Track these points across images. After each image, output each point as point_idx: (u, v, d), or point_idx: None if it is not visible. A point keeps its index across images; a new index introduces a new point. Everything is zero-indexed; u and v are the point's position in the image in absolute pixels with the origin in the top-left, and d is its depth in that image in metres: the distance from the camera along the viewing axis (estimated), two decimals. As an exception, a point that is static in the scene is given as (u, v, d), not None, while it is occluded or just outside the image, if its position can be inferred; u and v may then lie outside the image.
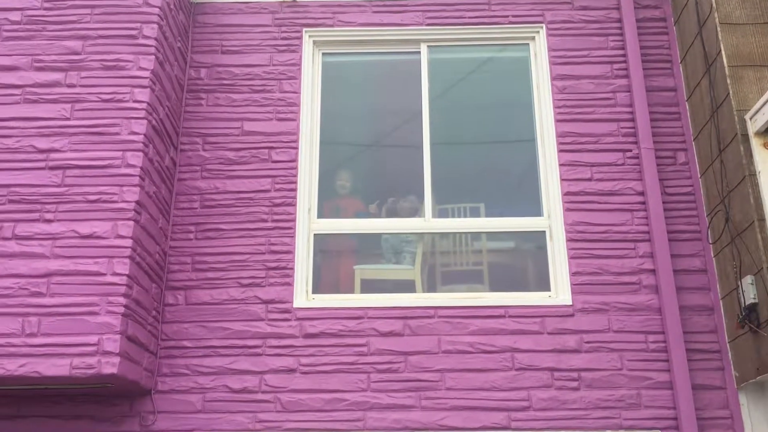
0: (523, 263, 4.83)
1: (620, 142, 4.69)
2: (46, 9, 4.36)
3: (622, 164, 4.65)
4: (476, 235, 4.84)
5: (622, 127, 4.73)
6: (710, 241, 4.38)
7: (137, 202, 4.08)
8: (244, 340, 4.32)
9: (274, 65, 4.94)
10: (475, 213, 4.89)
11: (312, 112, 4.88)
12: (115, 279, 3.89)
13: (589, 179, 4.63)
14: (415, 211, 5.00)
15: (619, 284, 4.41)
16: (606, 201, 4.58)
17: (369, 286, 4.66)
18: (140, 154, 4.16)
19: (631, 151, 4.67)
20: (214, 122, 4.80)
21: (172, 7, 4.63)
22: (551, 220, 4.59)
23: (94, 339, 3.76)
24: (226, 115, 4.82)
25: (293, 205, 4.61)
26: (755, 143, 3.98)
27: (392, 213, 5.01)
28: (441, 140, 4.93)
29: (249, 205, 4.62)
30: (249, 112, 4.83)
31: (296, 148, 4.74)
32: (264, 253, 4.51)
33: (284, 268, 4.47)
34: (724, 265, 4.27)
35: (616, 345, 4.27)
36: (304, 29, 4.95)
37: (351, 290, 4.66)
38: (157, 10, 4.39)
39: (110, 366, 3.71)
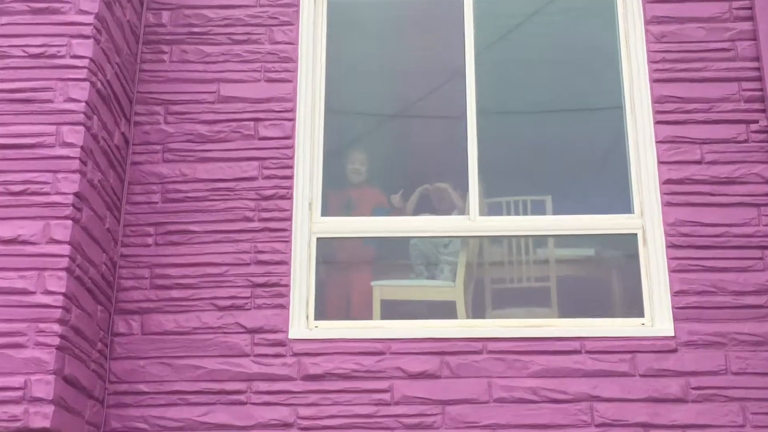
0: (605, 278, 4.78)
1: (741, 110, 4.64)
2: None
3: (745, 141, 4.60)
4: (541, 240, 4.80)
5: (744, 90, 4.67)
6: None
7: (76, 195, 4.06)
8: (222, 383, 4.30)
9: (262, 6, 4.88)
10: (539, 209, 4.85)
11: (314, 71, 4.83)
12: (48, 299, 3.87)
13: (699, 162, 4.59)
14: (456, 207, 4.98)
15: (741, 308, 4.35)
16: (722, 192, 4.52)
17: (392, 310, 4.67)
18: (81, 128, 4.15)
19: (757, 122, 4.61)
20: (181, 85, 4.77)
21: (123, -73, 4.63)
22: (645, 218, 4.55)
23: (19, 381, 3.75)
24: (196, 76, 4.79)
25: (288, 198, 4.58)
26: None
27: (424, 209, 5.00)
28: (491, 109, 4.88)
29: (228, 199, 4.59)
30: (228, 70, 4.80)
31: (293, 119, 4.72)
32: (249, 264, 4.48)
33: (276, 284, 4.46)
34: None
35: (737, 392, 4.22)
36: (304, -44, 4.93)
37: (368, 315, 4.68)
38: (102, -68, 4.38)
39: (41, 418, 3.70)
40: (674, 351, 4.31)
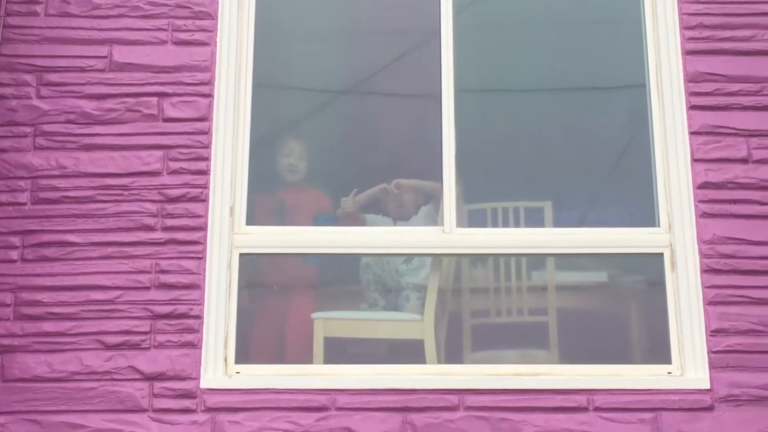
0: (621, 313, 4.80)
1: (801, 92, 4.69)
2: None
3: (805, 134, 4.65)
4: (538, 260, 4.84)
5: (805, 66, 4.67)
6: None
7: None
8: None
9: (170, -57, 4.88)
10: (535, 219, 4.87)
11: (239, 31, 4.81)
12: None
13: (745, 160, 4.62)
14: (426, 215, 4.99)
15: (797, 353, 4.39)
16: (775, 201, 4.58)
17: (339, 352, 4.71)
18: None
19: (821, 109, 4.67)
20: (60, 46, 4.76)
21: None
22: (674, 234, 4.57)
23: None
24: (81, 35, 4.76)
25: (203, 200, 4.57)
26: None
27: (380, 216, 5.01)
28: (474, 86, 4.91)
29: (121, 200, 4.56)
30: (124, 28, 4.77)
31: (209, 96, 4.70)
32: (148, 288, 4.46)
33: (185, 315, 4.44)
34: None
35: (791, 464, 4.26)
36: None
37: (307, 358, 4.71)
38: None
39: None
40: (710, 409, 4.31)
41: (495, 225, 4.90)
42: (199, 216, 4.55)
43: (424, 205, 5.10)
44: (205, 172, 4.60)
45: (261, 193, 4.90)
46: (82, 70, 4.73)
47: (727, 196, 4.57)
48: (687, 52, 4.74)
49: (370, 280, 5.05)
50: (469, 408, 4.30)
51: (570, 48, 5.17)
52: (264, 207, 4.97)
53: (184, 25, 4.78)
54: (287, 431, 4.28)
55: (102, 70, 4.73)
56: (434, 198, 4.95)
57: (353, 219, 5.08)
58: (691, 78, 4.71)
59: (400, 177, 5.10)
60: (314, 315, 4.77)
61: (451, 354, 4.79)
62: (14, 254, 4.50)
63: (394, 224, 5.10)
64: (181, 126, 4.66)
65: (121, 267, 4.48)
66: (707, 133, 4.64)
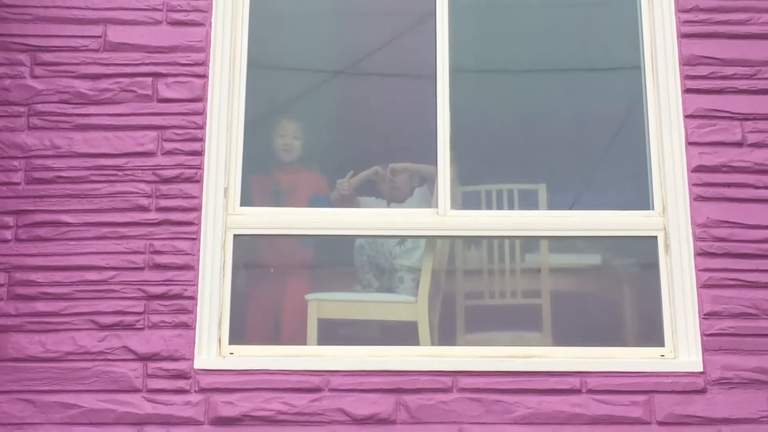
0: (615, 295, 4.81)
1: (798, 76, 4.67)
2: None
3: (801, 118, 4.66)
4: (531, 243, 4.84)
5: (801, 49, 4.67)
6: None
7: None
8: (104, 427, 4.27)
9: None
10: (529, 202, 4.87)
11: (234, 12, 4.80)
12: None
13: (740, 144, 4.62)
14: (421, 197, 4.98)
15: (791, 336, 4.40)
16: (770, 184, 4.60)
17: (333, 333, 4.72)
18: None
19: (816, 93, 4.67)
20: (54, 26, 4.74)
21: None
22: (668, 217, 4.57)
23: None
24: (76, 14, 4.74)
25: (197, 181, 4.56)
26: None
27: (373, 198, 5.03)
28: (469, 66, 4.91)
29: (116, 180, 4.55)
30: (119, 8, 4.75)
31: (204, 76, 4.69)
32: (142, 269, 4.46)
33: (179, 296, 4.44)
34: None
35: (783, 447, 4.28)
36: None
37: (301, 339, 4.73)
38: None
39: None
40: (703, 391, 4.32)
41: (489, 207, 4.91)
42: (194, 197, 4.54)
43: (418, 187, 5.09)
44: (199, 153, 4.59)
45: (256, 173, 4.92)
46: (76, 49, 4.71)
47: (722, 179, 4.56)
48: (682, 35, 4.73)
49: (364, 262, 5.06)
50: (462, 390, 4.31)
51: (565, 30, 5.17)
52: (259, 188, 4.97)
53: (179, 6, 4.76)
54: (280, 412, 4.28)
55: (96, 50, 4.71)
56: (428, 180, 4.95)
57: (348, 201, 5.06)
58: (686, 61, 4.70)
59: (394, 158, 5.11)
60: (308, 296, 4.78)
61: (445, 336, 4.80)
62: (8, 234, 4.49)
63: (388, 206, 5.10)
64: (176, 106, 4.65)
65: (115, 247, 4.48)
66: (702, 117, 4.64)
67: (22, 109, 4.63)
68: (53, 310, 4.40)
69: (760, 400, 4.31)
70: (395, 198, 5.11)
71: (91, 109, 4.64)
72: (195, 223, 4.51)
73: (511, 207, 4.87)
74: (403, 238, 4.97)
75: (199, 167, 4.57)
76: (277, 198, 4.99)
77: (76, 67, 4.68)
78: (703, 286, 4.44)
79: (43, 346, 4.36)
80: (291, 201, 4.99)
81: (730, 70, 4.68)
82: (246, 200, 4.67)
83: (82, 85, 4.67)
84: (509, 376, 4.33)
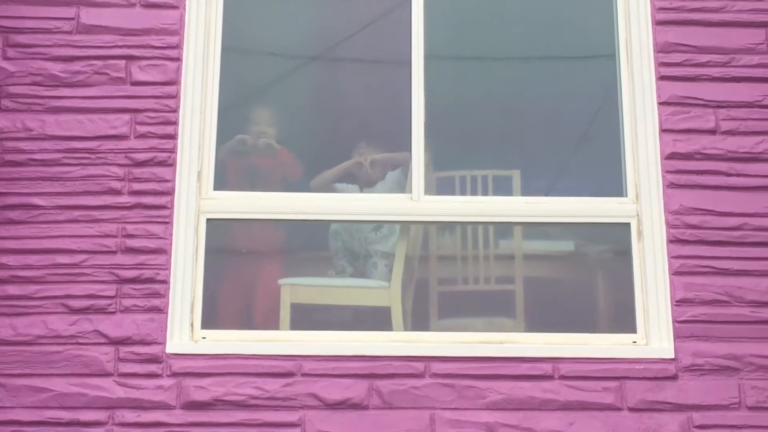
0: (587, 282, 4.82)
1: (770, 64, 4.72)
2: None
3: (773, 106, 4.71)
4: (505, 229, 4.85)
5: (775, 38, 4.73)
6: None
7: None
8: (75, 411, 4.27)
9: None
10: (503, 188, 4.87)
11: (208, -5, 4.81)
12: None
13: (713, 131, 4.63)
14: (394, 181, 4.98)
15: (761, 323, 4.40)
16: (741, 171, 4.57)
17: (306, 318, 4.72)
18: None
19: (789, 81, 4.67)
20: (26, 7, 4.71)
21: None
22: (641, 204, 4.58)
23: None
24: (47, -4, 4.72)
25: (170, 164, 4.55)
26: None
27: (348, 183, 5.05)
28: (443, 53, 4.91)
29: (88, 163, 4.53)
30: (91, -10, 4.74)
31: (178, 59, 4.67)
32: (114, 252, 4.45)
33: (151, 280, 4.43)
34: None
35: (752, 432, 4.37)
36: None
37: (274, 324, 4.74)
38: None
39: None
40: (674, 378, 4.34)
41: (463, 193, 4.91)
42: (167, 180, 4.53)
43: (391, 171, 5.08)
44: (172, 137, 4.57)
45: (231, 156, 4.94)
46: (49, 31, 4.68)
47: (695, 166, 4.57)
48: (657, 23, 4.74)
49: (338, 248, 5.05)
50: (434, 375, 4.31)
51: (540, 17, 5.16)
52: (234, 171, 4.99)
53: (152, -12, 4.75)
54: (253, 396, 4.28)
55: (69, 32, 4.69)
56: (402, 164, 4.94)
57: (322, 187, 5.08)
58: (660, 48, 4.71)
59: (367, 144, 5.09)
60: (281, 281, 4.78)
61: (418, 321, 4.79)
62: (-21, 217, 4.47)
63: (361, 191, 5.09)
64: (149, 90, 4.63)
65: (87, 231, 4.46)
66: (676, 104, 4.65)
67: (-8, 91, 4.61)
68: (24, 294, 4.38)
69: (730, 386, 4.32)
70: (369, 182, 5.10)
71: (64, 92, 4.61)
72: (168, 207, 4.50)
73: (485, 193, 4.87)
74: (379, 224, 4.96)
75: (173, 151, 4.56)
76: (251, 182, 4.96)
77: (49, 49, 4.66)
78: (675, 273, 4.45)
79: (14, 330, 4.34)
80: (264, 185, 4.96)
81: (704, 58, 4.70)
82: (219, 184, 4.66)
83: (55, 67, 4.64)
84: (482, 361, 4.33)
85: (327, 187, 5.10)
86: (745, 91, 4.66)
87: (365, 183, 5.16)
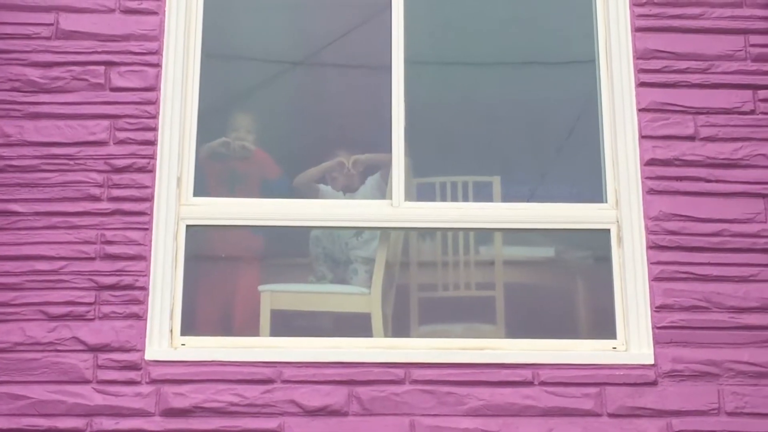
0: (567, 288, 4.81)
1: (748, 71, 4.71)
2: None
3: (751, 112, 4.66)
4: (485, 235, 4.85)
5: (752, 45, 4.74)
6: None
7: None
8: (53, 419, 4.25)
9: None
10: (483, 194, 4.87)
11: (188, 1, 4.77)
12: None
13: (692, 138, 4.63)
14: (374, 185, 4.98)
15: (740, 328, 4.41)
16: (720, 178, 4.58)
17: (286, 324, 4.73)
18: None
19: (767, 88, 4.68)
20: (5, 13, 4.69)
21: None
22: (621, 210, 4.58)
23: None
24: (27, 2, 4.68)
25: (149, 170, 4.53)
26: None
27: (330, 188, 5.03)
28: (424, 58, 4.90)
29: (67, 170, 4.51)
30: (71, -5, 4.73)
31: (158, 65, 4.66)
32: (93, 259, 4.43)
33: (130, 287, 4.41)
34: None
35: (732, 438, 4.37)
36: None
37: (254, 330, 4.73)
38: None
39: None
40: (654, 384, 4.34)
41: (444, 199, 4.90)
42: (146, 187, 4.51)
43: (371, 176, 5.09)
44: (152, 143, 4.56)
45: (211, 162, 4.94)
46: (28, 37, 4.66)
47: (674, 173, 4.58)
48: (636, 29, 4.74)
49: (319, 254, 5.05)
50: (415, 381, 4.30)
51: (521, 23, 5.17)
52: (214, 177, 4.99)
53: (132, -6, 4.73)
54: (232, 403, 4.26)
55: (48, 38, 4.67)
56: (382, 168, 4.95)
57: (306, 188, 5.08)
58: (640, 55, 4.72)
59: (348, 149, 5.10)
60: (261, 287, 4.78)
61: (398, 327, 4.80)
62: (-43, 223, 4.45)
63: (343, 194, 5.10)
64: (129, 95, 4.62)
65: (66, 237, 4.44)
66: (655, 110, 4.65)
67: (-30, 97, 4.59)
68: (2, 300, 4.36)
69: (710, 392, 4.33)
70: (350, 187, 5.10)
71: (43, 98, 4.60)
72: (147, 213, 4.48)
73: (465, 199, 4.87)
74: (359, 230, 4.96)
75: (152, 157, 4.54)
76: (231, 187, 4.96)
77: (28, 54, 4.64)
78: (655, 279, 4.46)
79: (-8, 337, 4.32)
80: (246, 188, 4.96)
81: (683, 64, 4.71)
82: (199, 190, 4.65)
83: (34, 73, 4.63)
84: (462, 368, 4.32)
85: (309, 186, 5.09)
86: (724, 98, 4.67)
87: (348, 183, 5.15)
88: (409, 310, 4.81)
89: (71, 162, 4.52)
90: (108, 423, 4.23)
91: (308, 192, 5.10)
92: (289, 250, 5.01)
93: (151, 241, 4.46)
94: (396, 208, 4.59)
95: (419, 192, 4.86)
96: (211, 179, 4.91)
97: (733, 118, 4.64)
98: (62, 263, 4.41)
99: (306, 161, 5.16)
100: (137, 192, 4.50)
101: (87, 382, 4.28)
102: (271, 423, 4.25)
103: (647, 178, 4.57)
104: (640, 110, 4.65)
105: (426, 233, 4.90)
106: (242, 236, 4.92)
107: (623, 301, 4.49)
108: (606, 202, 4.63)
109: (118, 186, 4.51)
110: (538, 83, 5.12)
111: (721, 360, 4.36)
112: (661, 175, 4.57)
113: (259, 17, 5.20)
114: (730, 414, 4.31)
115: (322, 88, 5.33)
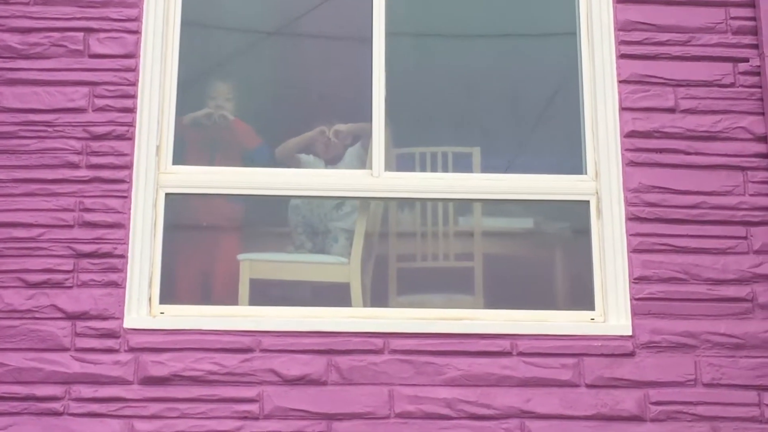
0: (546, 259, 4.83)
1: (729, 43, 4.71)
2: None
3: (731, 84, 4.67)
4: (465, 206, 4.85)
5: (733, 18, 4.74)
6: None
7: None
8: (31, 386, 4.25)
9: None
10: (463, 164, 4.87)
11: (168, -33, 4.75)
12: None
13: (672, 110, 4.63)
14: (354, 155, 4.96)
15: (717, 300, 4.43)
16: (700, 150, 4.59)
17: (265, 293, 4.71)
18: None
19: (747, 61, 4.68)
20: None
21: None
22: (601, 182, 4.58)
23: None
24: (4, -33, 4.64)
25: (128, 138, 4.51)
26: None
27: (312, 156, 5.01)
28: (405, 29, 4.88)
29: (45, 137, 4.49)
30: (49, -40, 4.68)
31: (137, 32, 4.63)
32: (72, 227, 4.41)
33: (109, 255, 4.40)
34: None
35: (708, 409, 4.30)
36: None
37: (233, 299, 4.73)
38: None
39: None
40: (631, 355, 4.35)
41: (423, 169, 4.90)
42: (125, 154, 4.50)
43: (351, 146, 5.07)
44: (131, 110, 4.54)
45: (190, 129, 4.93)
46: (6, 2, 4.64)
47: (654, 145, 4.59)
48: (618, 1, 4.74)
49: (298, 223, 5.05)
50: (393, 351, 4.31)
51: (503, -6, 5.14)
52: (194, 145, 4.97)
53: (112, -41, 4.71)
54: (211, 372, 4.27)
55: (26, 3, 4.65)
56: (362, 138, 4.94)
57: (288, 159, 5.07)
58: (621, 26, 4.71)
59: (329, 118, 5.08)
60: (240, 256, 4.77)
61: (377, 297, 4.79)
62: (-67, 190, 4.43)
63: (325, 166, 5.08)
64: (108, 62, 4.60)
65: (44, 204, 4.43)
66: (636, 82, 4.66)
67: (-52, 63, 4.57)
68: (-21, 268, 4.35)
69: (687, 363, 4.35)
70: (330, 157, 5.09)
71: (21, 64, 4.58)
72: (126, 181, 4.47)
73: (445, 170, 4.87)
74: (340, 202, 4.94)
75: (131, 125, 4.53)
76: (211, 156, 4.94)
77: (6, 20, 4.62)
78: (633, 250, 4.47)
79: (-31, 304, 4.31)
80: (226, 157, 4.95)
81: (664, 36, 4.71)
82: (178, 158, 4.63)
83: (12, 39, 4.60)
84: (440, 338, 4.33)
85: (291, 157, 5.07)
86: (705, 70, 4.67)
87: (329, 152, 5.14)
88: (388, 281, 4.81)
89: (50, 129, 4.51)
90: (86, 391, 4.23)
91: (290, 162, 5.09)
92: (268, 219, 5.01)
93: (130, 209, 4.45)
94: (376, 178, 4.59)
95: (399, 162, 4.87)
96: (191, 148, 4.88)
97: (713, 91, 4.65)
98: (41, 230, 4.40)
99: (286, 131, 5.14)
100: (116, 160, 4.49)
101: (65, 349, 4.28)
102: (250, 392, 4.25)
103: (627, 150, 4.57)
104: (620, 82, 4.66)
105: (405, 203, 4.89)
106: (221, 205, 4.91)
107: (602, 272, 4.50)
108: (585, 173, 4.64)
109: (96, 153, 4.49)
110: (519, 55, 5.11)
111: (699, 331, 4.38)
112: (640, 147, 4.58)
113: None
114: (706, 385, 4.33)
115: (303, 57, 5.31)
